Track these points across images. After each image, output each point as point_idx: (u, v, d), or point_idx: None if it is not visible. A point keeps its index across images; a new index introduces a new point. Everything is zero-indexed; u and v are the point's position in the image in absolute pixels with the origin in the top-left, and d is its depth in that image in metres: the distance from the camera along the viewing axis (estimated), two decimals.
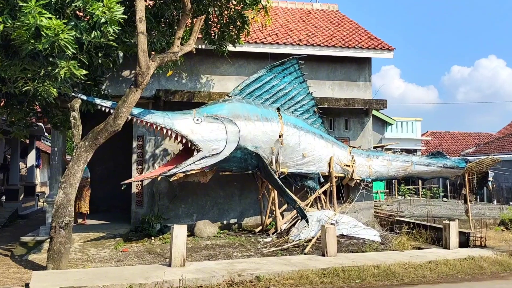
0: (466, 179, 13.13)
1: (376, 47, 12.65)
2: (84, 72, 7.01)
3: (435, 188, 26.08)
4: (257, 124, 9.92)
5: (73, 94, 7.83)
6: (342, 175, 11.90)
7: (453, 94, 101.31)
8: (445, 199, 24.85)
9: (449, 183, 25.49)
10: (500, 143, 26.40)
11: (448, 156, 13.49)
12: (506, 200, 22.08)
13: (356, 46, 12.53)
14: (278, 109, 10.68)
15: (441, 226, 10.34)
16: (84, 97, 7.95)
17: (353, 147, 12.52)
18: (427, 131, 32.92)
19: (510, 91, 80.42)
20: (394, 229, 11.48)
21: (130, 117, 8.15)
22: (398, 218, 12.90)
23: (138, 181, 11.22)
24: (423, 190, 25.41)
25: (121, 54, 8.81)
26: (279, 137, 10.24)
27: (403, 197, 24.71)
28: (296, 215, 11.06)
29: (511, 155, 23.08)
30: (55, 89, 7.15)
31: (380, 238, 10.31)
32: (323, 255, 8.47)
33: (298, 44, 12.19)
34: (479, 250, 9.46)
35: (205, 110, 9.54)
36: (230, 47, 11.04)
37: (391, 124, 24.73)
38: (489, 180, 13.75)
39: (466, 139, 33.38)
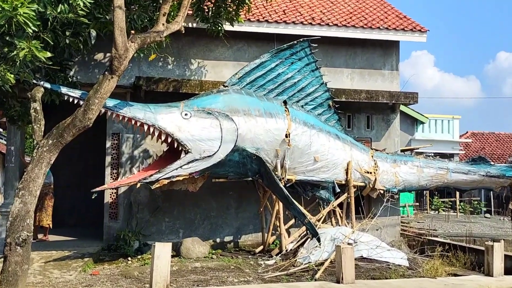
0: None
1: (405, 28, 12.66)
2: (49, 54, 7.00)
3: (476, 202, 26.06)
4: (259, 120, 9.91)
5: (35, 81, 7.81)
6: (362, 184, 11.88)
7: (499, 87, 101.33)
8: (487, 215, 24.82)
9: (493, 196, 25.45)
10: None
11: (492, 163, 13.49)
12: None
13: (381, 27, 12.54)
14: (284, 102, 10.67)
15: (482, 248, 10.30)
16: (48, 85, 7.93)
17: (376, 150, 12.50)
18: (467, 132, 32.93)
19: None
20: (425, 251, 11.44)
21: (103, 110, 8.14)
22: (430, 238, 12.88)
23: (113, 189, 11.21)
24: (461, 203, 25.37)
25: (93, 33, 8.79)
26: (286, 136, 10.24)
27: (437, 212, 24.68)
28: (305, 232, 11.04)
29: None
30: (12, 75, 7.13)
31: (408, 262, 10.28)
32: (338, 282, 8.44)
33: (310, 23, 12.19)
34: None
35: (195, 103, 9.53)
36: (227, 26, 11.03)
37: (422, 123, 24.76)
38: None
39: None
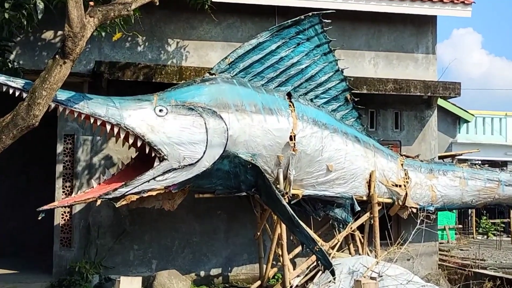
0: None
1: (444, 0, 12.69)
2: None
3: None
4: (256, 118, 9.91)
5: None
6: (390, 200, 11.88)
7: None
8: None
9: None
10: None
11: None
12: None
13: None
14: (289, 94, 10.68)
15: None
16: None
17: (408, 156, 12.52)
18: None
19: None
20: (471, 287, 11.45)
21: (53, 105, 8.11)
22: (477, 271, 12.89)
23: (65, 207, 11.16)
24: None
25: (40, 5, 8.77)
26: (290, 139, 10.24)
27: (485, 236, 24.71)
28: (315, 263, 11.02)
29: None
30: None
31: None
32: None
33: None
34: None
35: (173, 96, 9.52)
36: None
37: (467, 122, 24.80)
38: None
39: None
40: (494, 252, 17.78)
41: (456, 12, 12.88)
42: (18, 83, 8.10)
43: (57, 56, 7.42)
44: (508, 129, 26.36)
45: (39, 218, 8.57)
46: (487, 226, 25.09)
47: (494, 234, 24.69)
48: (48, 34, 11.40)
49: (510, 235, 23.97)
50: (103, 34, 10.46)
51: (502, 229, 25.00)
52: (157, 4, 8.89)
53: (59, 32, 11.12)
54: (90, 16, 7.53)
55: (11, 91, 8.09)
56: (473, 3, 12.88)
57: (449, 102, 22.19)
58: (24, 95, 7.69)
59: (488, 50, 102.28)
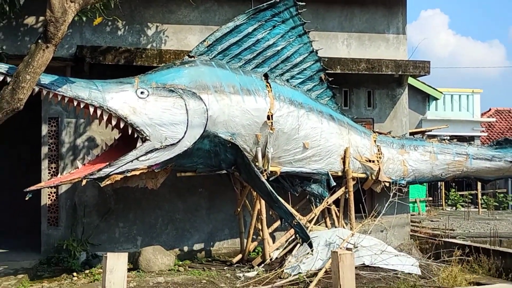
0: None
1: None
2: None
3: (502, 195, 26.49)
4: (234, 98, 9.90)
5: None
6: (363, 175, 11.97)
7: None
8: None
9: None
10: None
11: None
12: None
13: None
14: (265, 75, 10.67)
15: (511, 251, 10.50)
16: None
17: (380, 133, 12.60)
18: (490, 109, 33.32)
19: None
20: (441, 255, 11.61)
21: (37, 89, 8.03)
22: (446, 240, 13.06)
23: (51, 187, 11.11)
24: (484, 197, 25.76)
25: None
26: (268, 118, 10.25)
27: (454, 208, 25.06)
28: (293, 236, 11.11)
29: None
30: None
31: (420, 270, 10.43)
32: None
33: None
34: None
35: (153, 78, 9.47)
36: None
37: (436, 99, 25.00)
38: None
39: None
40: (463, 223, 18.04)
41: None
42: (2, 67, 8.01)
43: (39, 41, 7.36)
44: (475, 105, 26.65)
45: (26, 198, 8.54)
46: (455, 198, 25.49)
47: (462, 206, 25.09)
48: (30, 20, 11.25)
49: (477, 206, 24.35)
50: (84, 19, 10.39)
51: (470, 201, 25.38)
52: None
53: (41, 18, 10.97)
54: (71, 1, 7.46)
55: None
56: None
57: (419, 80, 22.38)
58: (8, 79, 7.64)
59: (455, 30, 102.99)
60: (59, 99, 8.63)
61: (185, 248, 11.90)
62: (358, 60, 12.41)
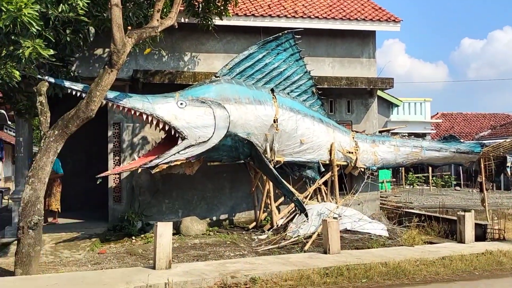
0: (482, 165, 13.24)
1: (381, 19, 12.61)
2: (52, 52, 6.88)
3: (447, 176, 26.38)
4: (249, 107, 9.88)
5: (39, 76, 7.72)
6: (345, 163, 11.93)
7: (464, 71, 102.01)
8: (458, 188, 25.16)
9: (462, 170, 25.77)
10: None
11: (461, 140, 13.59)
12: None
13: (358, 18, 12.47)
14: (272, 90, 10.64)
15: (455, 218, 10.44)
16: (52, 80, 7.83)
17: (357, 131, 12.54)
18: (437, 113, 33.14)
19: None
20: (403, 222, 11.58)
21: (104, 102, 8.06)
22: (407, 210, 13.01)
23: (116, 174, 11.16)
24: (434, 178, 25.67)
25: (92, 30, 8.67)
26: (274, 122, 10.23)
27: (412, 186, 24.96)
28: (294, 208, 11.09)
29: None
30: (18, 72, 7.01)
31: (388, 233, 10.40)
32: (325, 252, 8.52)
33: (294, 16, 12.10)
34: (497, 244, 9.57)
35: (189, 93, 9.47)
36: (217, 20, 10.94)
37: (397, 106, 24.85)
38: (508, 166, 13.87)
39: (481, 120, 33.64)
40: (418, 197, 17.99)
41: (389, 28, 12.78)
42: (79, 86, 8.08)
43: (106, 67, 7.38)
44: (426, 110, 26.62)
45: (98, 182, 8.60)
46: (413, 179, 25.38)
47: (417, 185, 25.01)
48: (98, 51, 11.27)
49: (429, 185, 24.25)
50: (137, 50, 10.40)
51: (423, 181, 25.32)
52: (176, 27, 8.84)
53: (106, 49, 10.99)
54: (128, 37, 7.48)
55: (74, 92, 8.07)
56: (401, 21, 12.82)
57: (385, 92, 22.25)
58: (84, 95, 7.66)
59: (409, 54, 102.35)
60: (120, 109, 8.67)
61: (214, 218, 11.90)
62: (340, 78, 12.33)
